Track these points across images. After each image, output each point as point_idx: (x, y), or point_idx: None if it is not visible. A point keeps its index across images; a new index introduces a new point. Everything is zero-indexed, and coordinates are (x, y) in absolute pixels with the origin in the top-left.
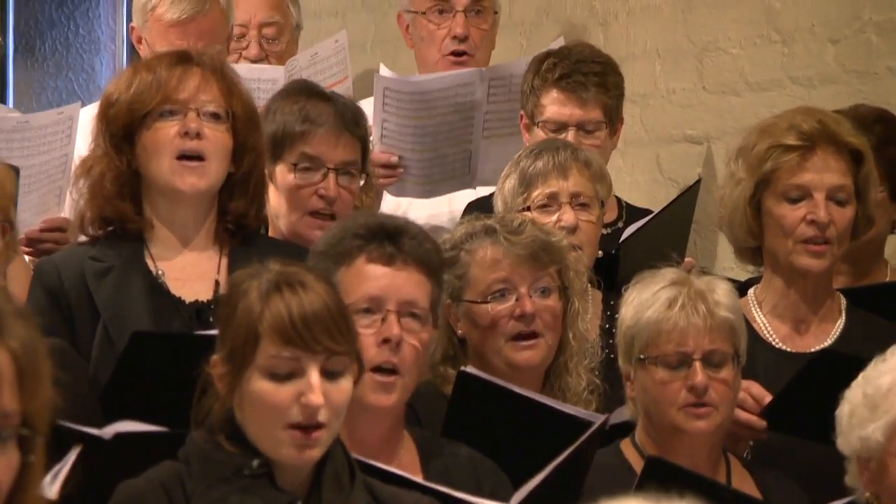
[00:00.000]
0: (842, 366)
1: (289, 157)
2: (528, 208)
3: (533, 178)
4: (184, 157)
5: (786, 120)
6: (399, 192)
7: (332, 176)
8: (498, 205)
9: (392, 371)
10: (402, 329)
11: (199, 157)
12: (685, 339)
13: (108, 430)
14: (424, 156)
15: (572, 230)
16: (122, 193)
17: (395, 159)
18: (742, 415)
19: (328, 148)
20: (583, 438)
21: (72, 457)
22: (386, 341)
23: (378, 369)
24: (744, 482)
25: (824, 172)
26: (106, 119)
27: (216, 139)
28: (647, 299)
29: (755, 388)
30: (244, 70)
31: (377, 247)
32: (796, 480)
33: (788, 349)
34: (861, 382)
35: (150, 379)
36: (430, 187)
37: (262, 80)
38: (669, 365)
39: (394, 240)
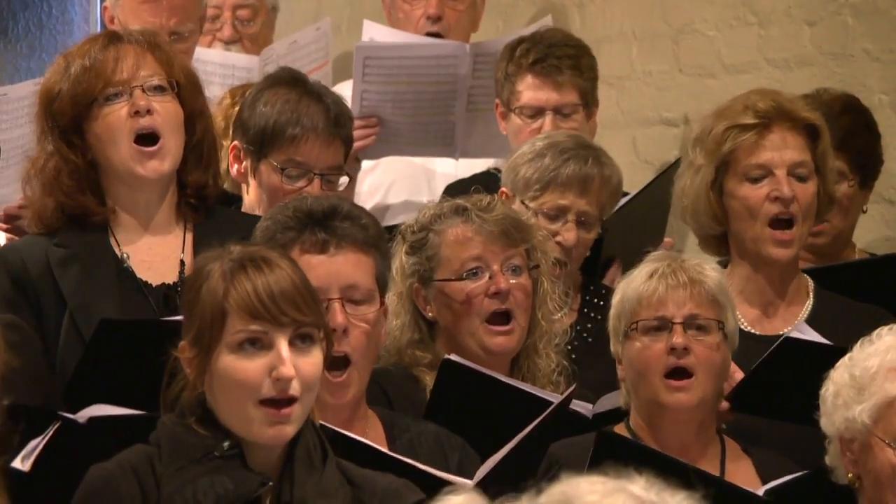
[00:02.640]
0: (805, 351)
1: (276, 159)
2: (534, 210)
3: (553, 182)
4: (140, 140)
5: (740, 101)
6: (377, 154)
7: (317, 181)
8: (506, 181)
9: (344, 362)
10: (347, 315)
11: (154, 138)
12: (664, 303)
13: (83, 414)
14: (405, 120)
15: (569, 249)
16: (82, 187)
17: (373, 119)
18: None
19: (316, 154)
20: (546, 413)
21: (49, 433)
22: (332, 332)
23: (330, 363)
24: (740, 464)
25: (783, 149)
26: (51, 114)
27: (167, 111)
28: (631, 278)
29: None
30: (219, 57)
31: (310, 235)
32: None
33: (757, 332)
34: (847, 364)
35: (118, 366)
36: (411, 148)
37: (236, 67)
38: (650, 330)
39: (325, 225)
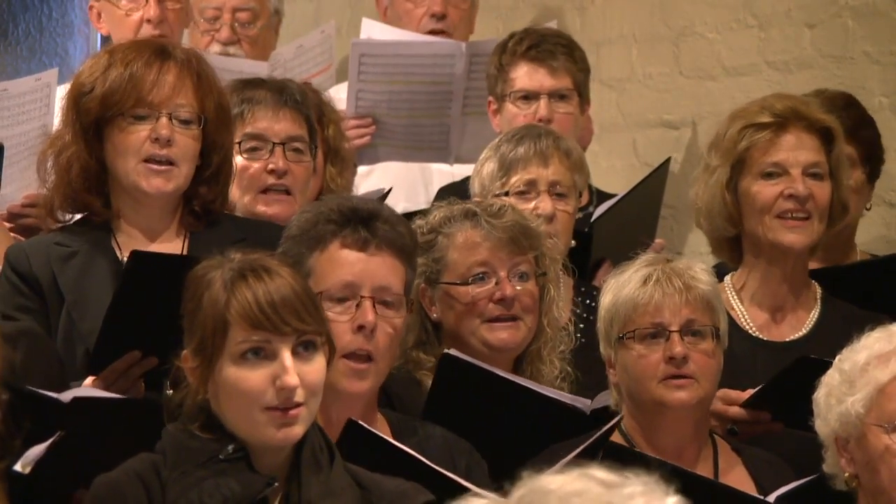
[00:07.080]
0: (817, 369)
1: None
2: (507, 193)
3: (513, 163)
4: (152, 160)
5: (757, 103)
6: (373, 159)
7: (278, 150)
8: (475, 187)
9: (366, 358)
10: (376, 315)
11: (167, 162)
12: (661, 311)
13: (67, 395)
14: (400, 122)
15: (549, 219)
16: (89, 187)
17: (367, 119)
18: (755, 415)
19: (269, 123)
20: (598, 434)
21: (52, 440)
22: (361, 328)
23: (352, 355)
24: (732, 464)
25: (798, 150)
26: (77, 108)
27: (185, 145)
28: (623, 281)
29: (733, 394)
30: (229, 63)
31: (351, 232)
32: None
33: (765, 337)
34: (837, 364)
35: (149, 303)
36: (406, 152)
37: (244, 73)
38: (647, 338)
39: (367, 224)
